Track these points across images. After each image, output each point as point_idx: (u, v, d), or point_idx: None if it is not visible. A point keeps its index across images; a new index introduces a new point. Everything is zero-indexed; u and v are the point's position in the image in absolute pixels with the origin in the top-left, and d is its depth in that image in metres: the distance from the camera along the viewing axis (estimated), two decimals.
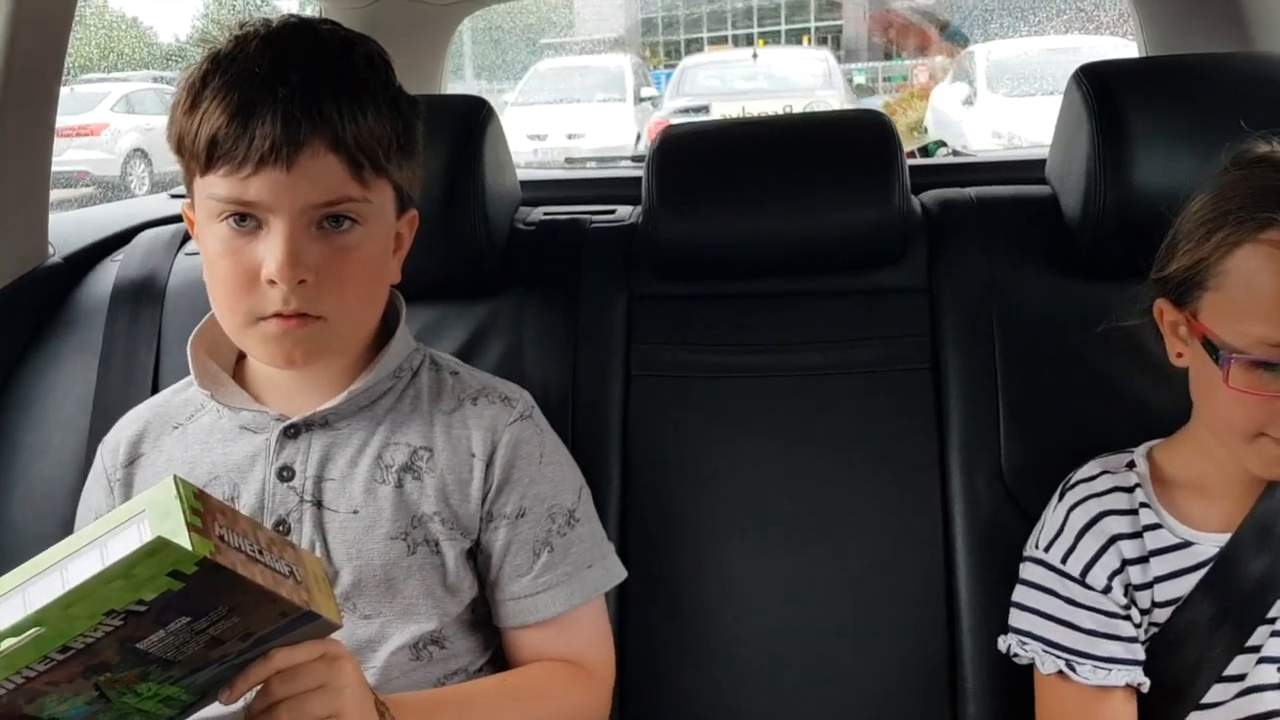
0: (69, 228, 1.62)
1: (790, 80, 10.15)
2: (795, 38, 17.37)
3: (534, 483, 1.10)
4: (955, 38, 12.77)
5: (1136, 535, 1.08)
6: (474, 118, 1.35)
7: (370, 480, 1.07)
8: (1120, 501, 1.10)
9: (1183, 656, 1.06)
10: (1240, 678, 1.05)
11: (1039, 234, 1.34)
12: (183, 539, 0.71)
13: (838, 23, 17.96)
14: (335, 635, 0.89)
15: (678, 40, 18.09)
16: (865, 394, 1.32)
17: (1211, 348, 1.00)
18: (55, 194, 1.56)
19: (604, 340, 1.36)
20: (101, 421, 1.31)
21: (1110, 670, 1.06)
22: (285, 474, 1.07)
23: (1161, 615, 1.07)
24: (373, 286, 1.07)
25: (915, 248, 1.37)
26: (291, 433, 1.08)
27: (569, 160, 2.48)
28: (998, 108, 8.53)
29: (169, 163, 1.05)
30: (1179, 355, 1.07)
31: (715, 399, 1.34)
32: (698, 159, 1.39)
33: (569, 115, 9.69)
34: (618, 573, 1.16)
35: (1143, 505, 1.09)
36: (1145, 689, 1.06)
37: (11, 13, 1.34)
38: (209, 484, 1.07)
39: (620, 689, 1.20)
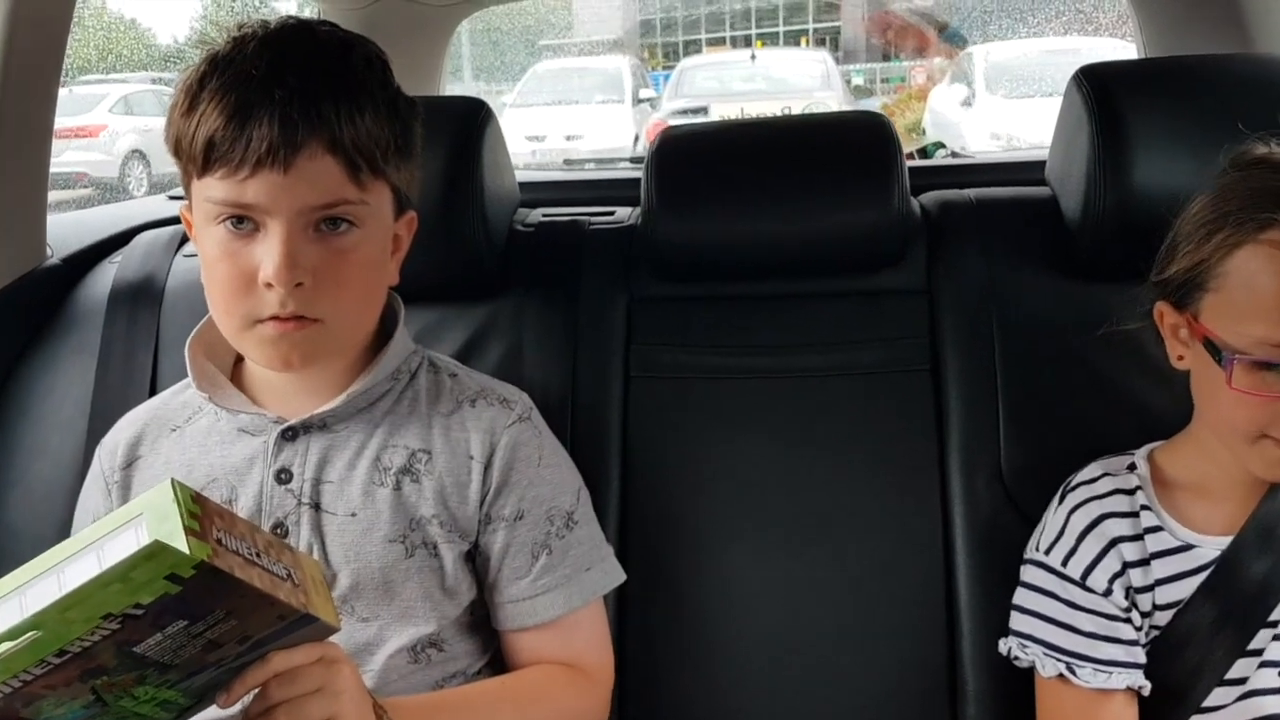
0: (67, 229, 1.61)
1: (788, 82, 10.16)
2: (793, 39, 17.39)
3: (532, 485, 1.10)
4: (954, 39, 12.78)
5: (1138, 538, 1.08)
6: (473, 119, 1.35)
7: (368, 483, 1.06)
8: (1121, 504, 1.10)
9: (1184, 660, 1.06)
10: (1242, 681, 1.05)
11: (1039, 235, 1.34)
12: (180, 543, 0.71)
13: (836, 24, 17.98)
14: (333, 638, 0.89)
15: (676, 42, 18.11)
16: (865, 396, 1.32)
17: (1214, 349, 0.99)
18: (53, 195, 1.56)
19: (603, 342, 1.36)
20: (99, 423, 1.31)
21: (1111, 673, 1.06)
22: (283, 476, 1.06)
23: (1163, 618, 1.07)
24: (370, 289, 1.06)
25: (915, 249, 1.37)
26: (289, 435, 1.07)
27: (567, 162, 2.49)
28: (996, 109, 8.54)
29: (167, 164, 1.04)
30: (1180, 358, 1.07)
31: (715, 401, 1.34)
32: (697, 160, 1.38)
33: (567, 117, 9.70)
34: (617, 575, 1.15)
35: (1144, 508, 1.09)
36: (1146, 692, 1.06)
37: (10, 13, 1.34)
38: (207, 486, 1.07)
39: (619, 691, 1.20)
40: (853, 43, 16.94)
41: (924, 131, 9.55)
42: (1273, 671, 1.05)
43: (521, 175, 1.60)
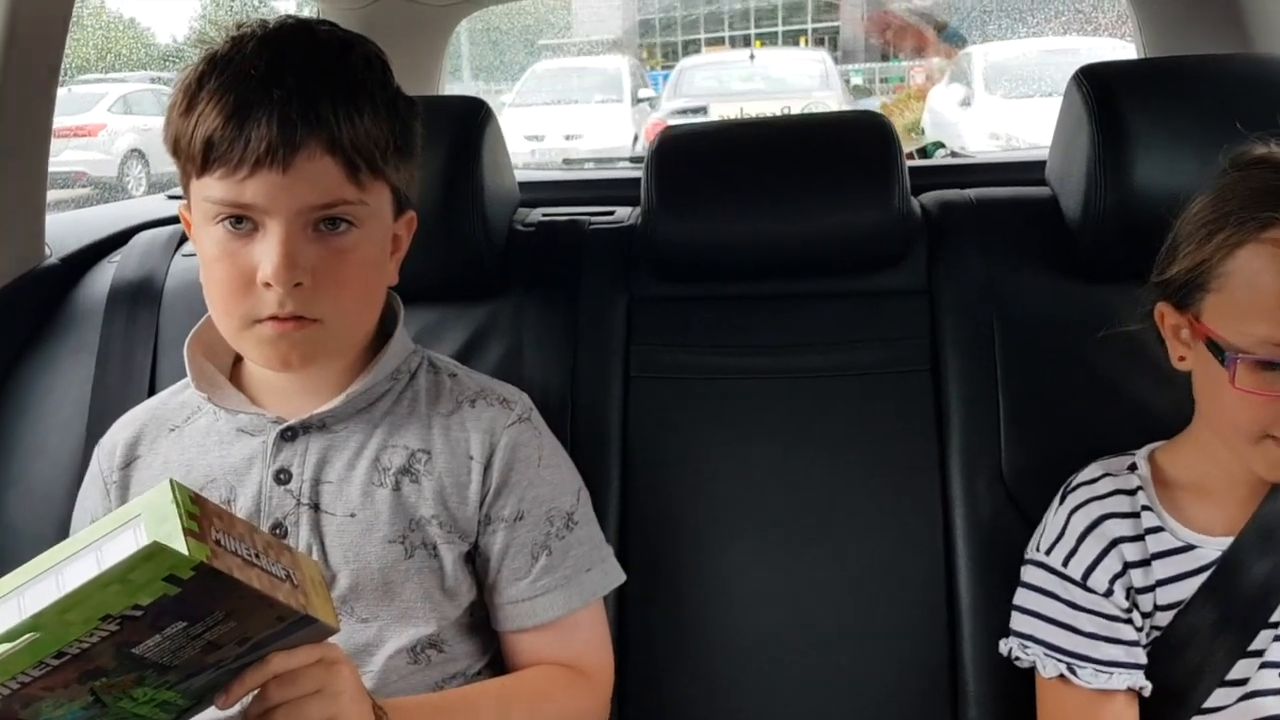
0: (66, 229, 1.61)
1: (787, 81, 10.16)
2: (792, 39, 17.39)
3: (532, 485, 1.10)
4: (953, 39, 12.78)
5: (1138, 538, 1.08)
6: (473, 119, 1.34)
7: (368, 483, 1.06)
8: (1122, 504, 1.09)
9: (1185, 660, 1.05)
10: (1243, 682, 1.05)
11: (1039, 236, 1.34)
12: (179, 544, 0.71)
13: (835, 24, 17.97)
14: (333, 639, 0.89)
15: (675, 42, 18.10)
16: (865, 396, 1.32)
17: (1216, 349, 0.99)
18: (52, 194, 1.56)
19: (603, 342, 1.36)
20: (98, 423, 1.30)
21: (1112, 674, 1.05)
22: (282, 477, 1.06)
23: (1163, 619, 1.07)
24: (370, 289, 1.06)
25: (915, 249, 1.36)
26: (289, 435, 1.07)
27: (567, 161, 2.48)
28: (994, 109, 8.54)
29: (166, 164, 1.04)
30: (1181, 359, 1.06)
31: (715, 401, 1.33)
32: (697, 160, 1.38)
33: (566, 116, 9.70)
34: (616, 576, 1.15)
35: (1145, 508, 1.09)
36: (1147, 693, 1.06)
37: (9, 12, 1.34)
38: (205, 487, 1.06)
39: (619, 692, 1.20)
40: (851, 43, 16.93)
41: (923, 131, 9.56)
42: (1274, 672, 1.04)
43: (521, 175, 1.59)
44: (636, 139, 9.33)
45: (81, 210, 1.90)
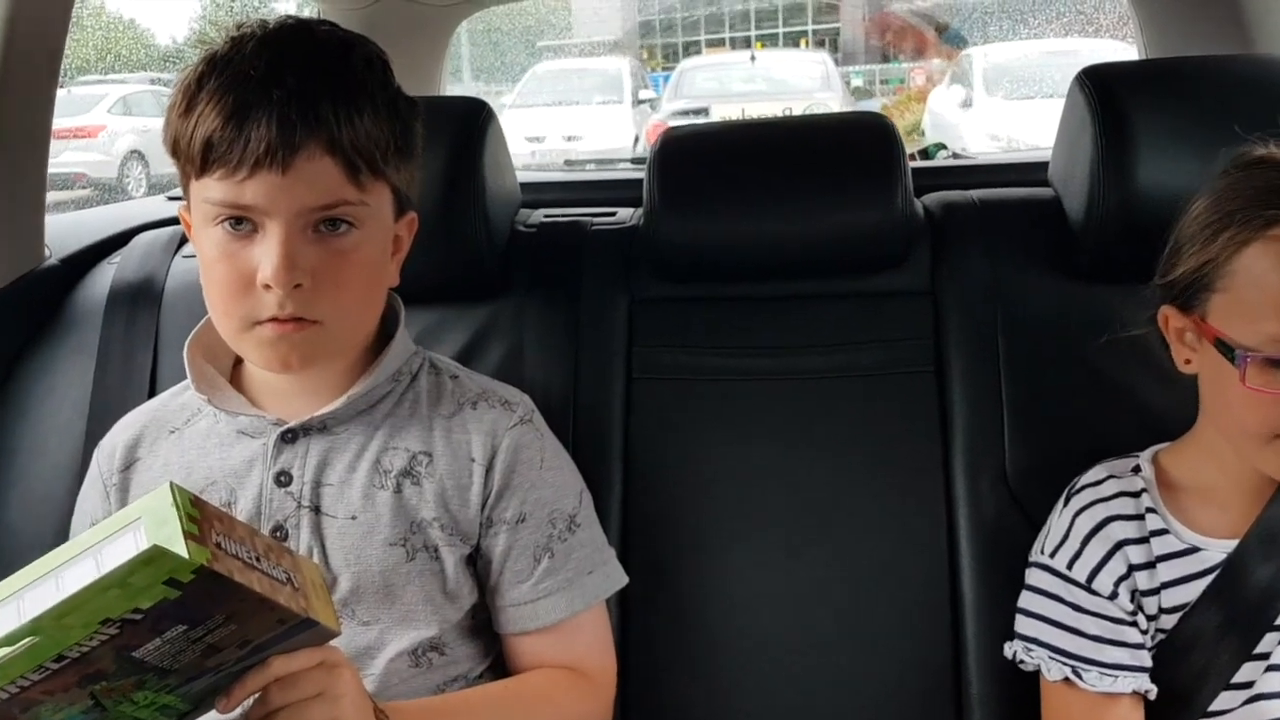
0: (65, 230, 1.61)
1: (788, 83, 10.17)
2: (793, 40, 17.39)
3: (534, 488, 1.10)
4: (954, 40, 12.78)
5: (1143, 540, 1.07)
6: (474, 119, 1.34)
7: (369, 485, 1.06)
8: (1126, 506, 1.09)
9: (1189, 663, 1.05)
10: (1248, 685, 1.04)
11: (1042, 237, 1.34)
12: (179, 547, 0.71)
13: (835, 26, 17.98)
14: (334, 642, 0.89)
15: (675, 43, 18.09)
16: (868, 397, 1.31)
17: (1226, 348, 0.99)
18: (52, 196, 1.56)
19: (605, 343, 1.35)
20: (98, 425, 1.30)
21: (1117, 677, 1.05)
22: (283, 479, 1.06)
23: (1168, 621, 1.06)
24: (370, 290, 1.06)
25: (918, 250, 1.36)
26: (289, 437, 1.07)
27: (568, 162, 2.48)
28: (994, 111, 8.55)
29: (166, 165, 1.04)
30: (1187, 362, 1.06)
31: (717, 402, 1.33)
32: (699, 161, 1.38)
33: (567, 118, 9.70)
34: (619, 578, 1.15)
35: (1149, 510, 1.08)
36: (1152, 696, 1.06)
37: (8, 13, 1.33)
38: (205, 489, 1.06)
39: (621, 694, 1.19)
40: (852, 44, 16.94)
41: (923, 133, 9.57)
42: (1278, 675, 1.04)
43: (523, 176, 1.59)
44: (637, 140, 9.33)
45: (81, 211, 1.90)
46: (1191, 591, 1.06)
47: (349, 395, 1.06)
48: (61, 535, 1.20)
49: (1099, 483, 1.12)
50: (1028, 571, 1.14)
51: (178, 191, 1.55)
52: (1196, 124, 1.22)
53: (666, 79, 11.44)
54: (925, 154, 2.06)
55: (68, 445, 1.37)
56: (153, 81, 9.99)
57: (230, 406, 1.08)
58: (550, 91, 10.60)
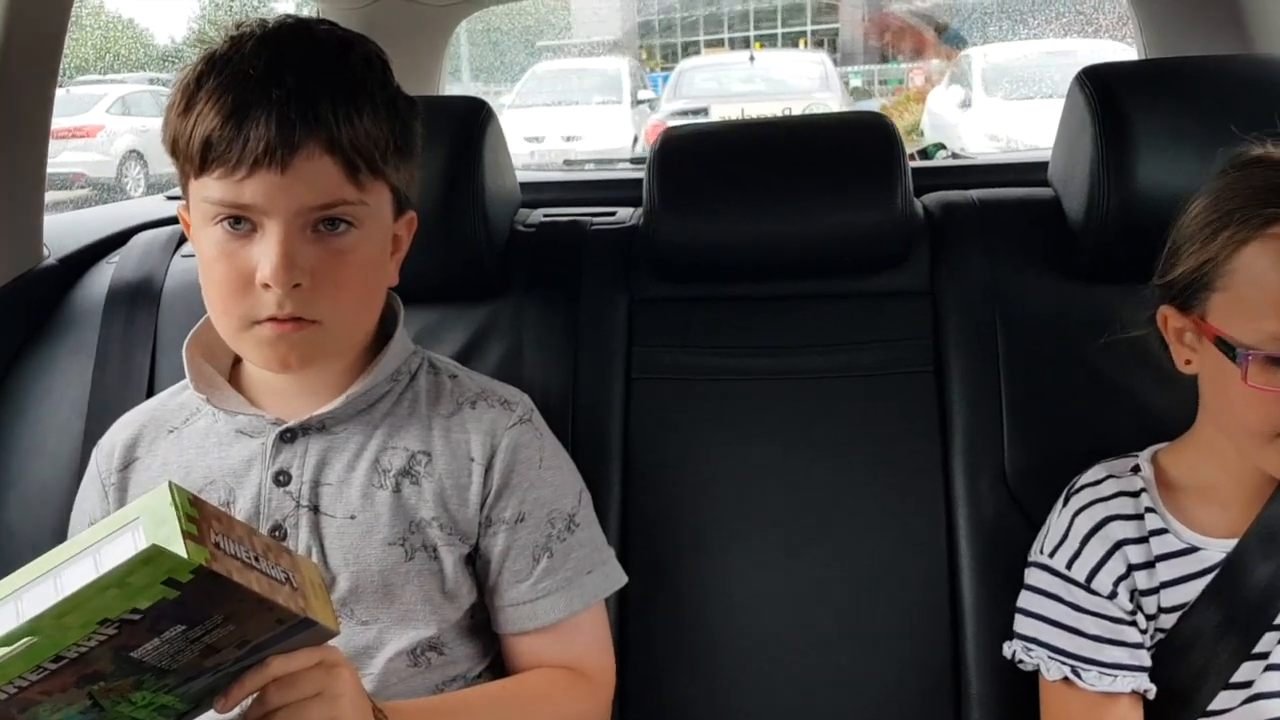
0: (64, 229, 1.61)
1: (787, 83, 10.17)
2: (792, 41, 17.38)
3: (533, 487, 1.09)
4: (954, 41, 12.78)
5: (1142, 540, 1.07)
6: (474, 119, 1.34)
7: (368, 485, 1.06)
8: (1126, 506, 1.09)
9: (1189, 663, 1.05)
10: (1247, 684, 1.04)
11: (1042, 237, 1.34)
12: (178, 547, 0.70)
13: (834, 26, 17.97)
14: (332, 642, 0.88)
15: (674, 43, 18.09)
16: (867, 397, 1.31)
17: (1227, 347, 0.99)
18: (50, 196, 1.55)
19: (604, 343, 1.35)
20: (96, 424, 1.30)
21: (1116, 676, 1.05)
22: (282, 479, 1.06)
23: (1168, 621, 1.06)
24: (369, 290, 1.06)
25: (917, 250, 1.36)
26: (288, 437, 1.07)
27: (567, 162, 2.48)
28: (993, 111, 8.55)
29: (165, 165, 1.04)
30: (1187, 362, 1.06)
31: (716, 402, 1.33)
32: (700, 161, 1.38)
33: (566, 118, 9.70)
34: (618, 578, 1.15)
35: (1148, 510, 1.08)
36: (1151, 695, 1.06)
37: (7, 13, 1.33)
38: (204, 489, 1.06)
39: (620, 695, 1.19)
40: (850, 45, 16.93)
41: (922, 133, 9.57)
42: (1278, 675, 1.04)
43: (522, 175, 1.59)
44: (636, 140, 9.33)
45: (80, 211, 1.90)
46: (1191, 591, 1.06)
47: (348, 395, 1.06)
48: (60, 535, 1.20)
49: (1098, 482, 1.12)
50: (1027, 571, 1.14)
51: (176, 191, 1.55)
52: (1197, 124, 1.21)
53: (665, 79, 11.44)
54: (924, 154, 2.06)
55: (66, 445, 1.37)
56: (151, 81, 9.98)
57: (229, 406, 1.08)
58: (549, 91, 10.59)
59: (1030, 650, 1.10)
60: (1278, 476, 1.02)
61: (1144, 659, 1.06)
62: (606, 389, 1.34)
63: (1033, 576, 1.13)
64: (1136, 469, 1.12)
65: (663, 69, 14.57)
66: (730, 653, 1.27)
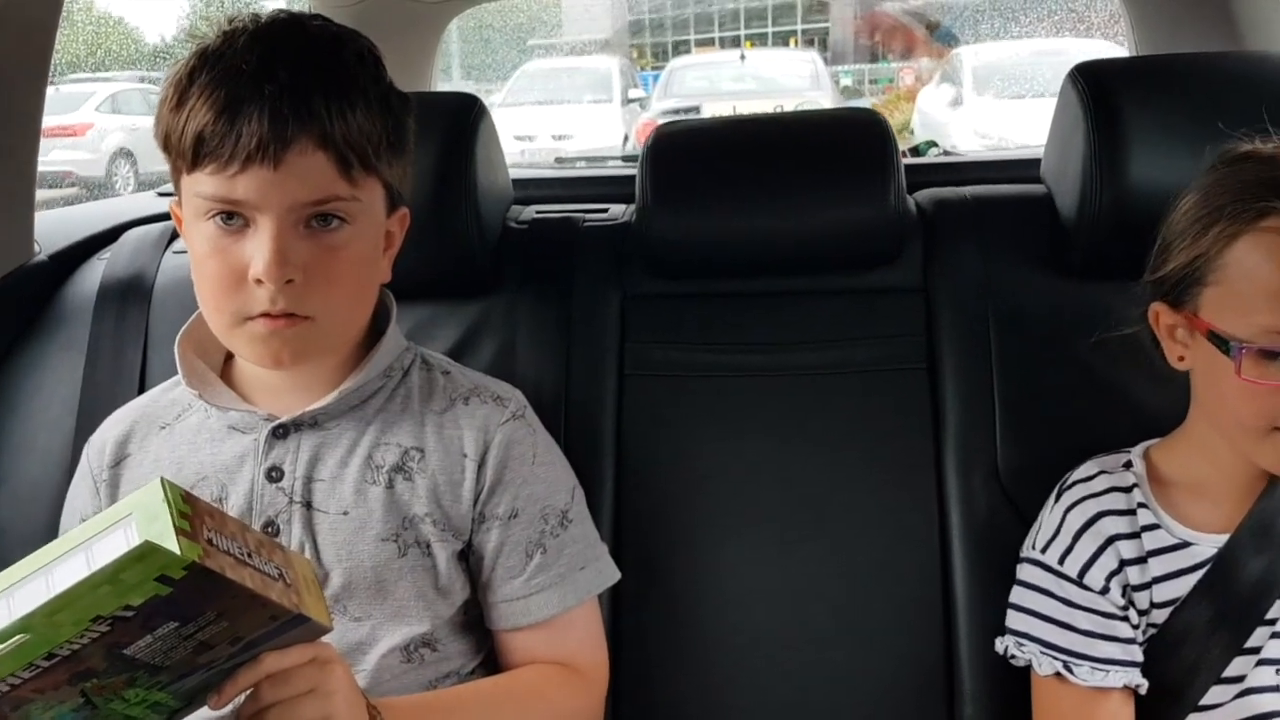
0: (55, 226, 1.60)
1: (778, 82, 10.16)
2: (782, 40, 17.39)
3: (526, 483, 1.09)
4: (945, 38, 12.80)
5: (1134, 536, 1.07)
6: (466, 115, 1.34)
7: (360, 481, 1.05)
8: (1118, 502, 1.09)
9: (1180, 658, 1.05)
10: (1239, 679, 1.05)
11: (1035, 233, 1.34)
12: (170, 543, 0.70)
13: (824, 25, 17.99)
14: (325, 638, 0.88)
15: (665, 42, 18.08)
16: (860, 393, 1.31)
17: (1221, 341, 0.99)
18: (40, 194, 1.55)
19: (597, 339, 1.35)
20: (87, 421, 1.29)
21: (1108, 671, 1.05)
22: (274, 475, 1.05)
23: (1160, 616, 1.07)
24: (362, 286, 1.05)
25: (910, 247, 1.36)
26: (280, 433, 1.06)
27: (559, 160, 2.48)
28: (983, 110, 8.57)
29: (154, 163, 1.04)
30: (1180, 359, 1.06)
31: (709, 398, 1.33)
32: (693, 157, 1.38)
33: (556, 116, 9.68)
34: (611, 574, 1.15)
35: (1140, 505, 1.08)
36: (1143, 690, 1.06)
37: None
38: (196, 485, 1.06)
39: (614, 690, 1.19)
40: (841, 44, 16.94)
41: (913, 132, 9.58)
42: (1270, 669, 1.05)
43: (515, 172, 1.59)
44: (626, 139, 9.32)
45: (71, 207, 1.89)
46: (1183, 586, 1.06)
47: (340, 390, 1.06)
48: (51, 532, 1.19)
49: (1090, 478, 1.12)
50: (1019, 567, 1.14)
51: (168, 187, 1.54)
52: (1188, 120, 1.22)
53: (656, 78, 11.43)
54: (916, 151, 2.06)
55: (57, 441, 1.36)
56: (141, 79, 9.94)
57: (221, 402, 1.07)
58: (540, 90, 10.57)
59: (1022, 646, 1.10)
60: (1272, 471, 1.03)
61: (1136, 654, 1.07)
62: (599, 385, 1.34)
63: (1025, 572, 1.13)
64: (1128, 465, 1.12)
65: (653, 68, 14.56)
66: (724, 649, 1.27)
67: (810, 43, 16.87)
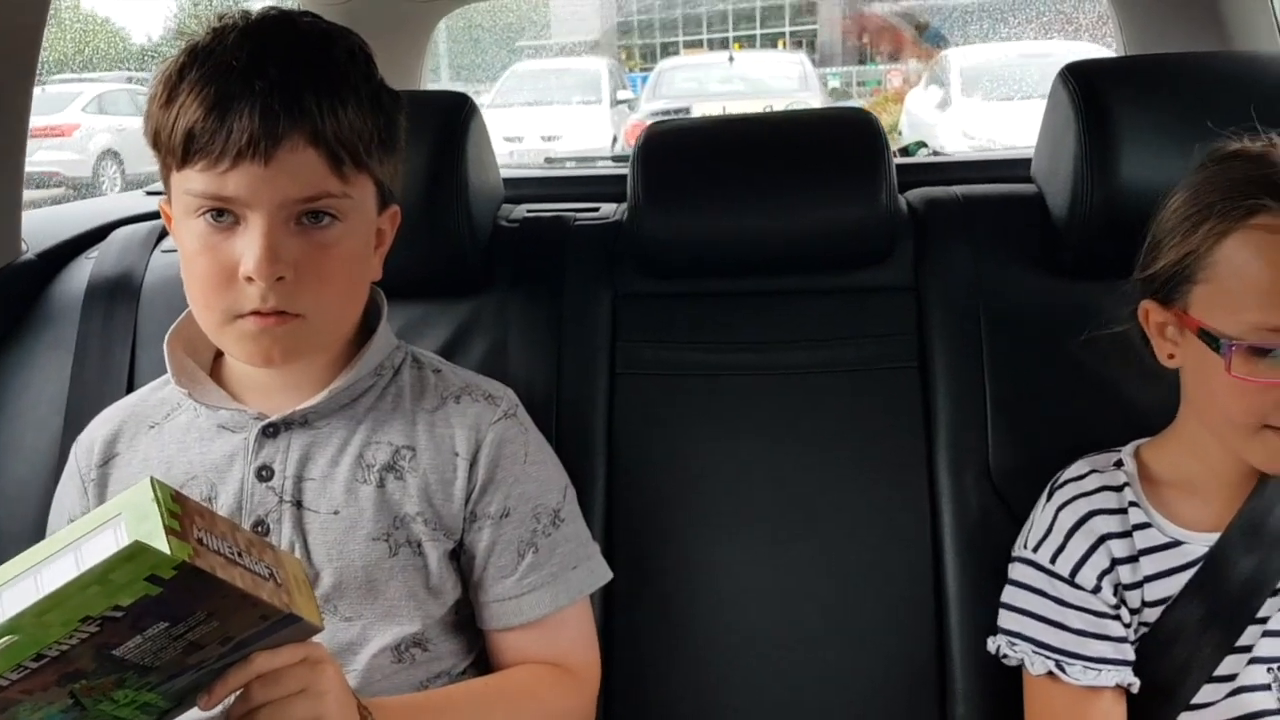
0: (41, 224, 1.59)
1: (766, 83, 10.20)
2: (770, 42, 17.40)
3: (518, 482, 1.09)
4: (934, 39, 12.83)
5: (1126, 534, 1.08)
6: (457, 114, 1.33)
7: (351, 480, 1.05)
8: (1109, 500, 1.09)
9: (1172, 656, 1.05)
10: (1230, 678, 1.05)
11: (1026, 232, 1.34)
12: (160, 543, 0.70)
13: (813, 27, 18.01)
14: (316, 638, 0.88)
15: (653, 44, 18.09)
16: (852, 392, 1.31)
17: (1211, 339, 0.99)
18: (26, 194, 1.54)
19: (588, 338, 1.35)
20: (75, 420, 1.29)
21: (1100, 670, 1.05)
22: (264, 474, 1.05)
23: (1151, 615, 1.07)
24: (353, 284, 1.05)
25: (901, 246, 1.36)
26: (270, 432, 1.06)
27: (549, 160, 2.48)
28: (971, 112, 8.60)
29: (141, 164, 1.04)
30: (1170, 356, 1.06)
31: (701, 397, 1.33)
32: (684, 156, 1.38)
33: (545, 117, 9.68)
34: (603, 573, 1.14)
35: (1132, 504, 1.09)
36: (1135, 689, 1.06)
37: None
38: (186, 484, 1.05)
39: (605, 691, 1.19)
40: (829, 46, 16.97)
41: (901, 134, 9.61)
42: (1261, 668, 1.05)
43: (505, 171, 1.59)
44: (615, 140, 9.33)
45: (58, 206, 1.88)
46: (1174, 585, 1.06)
47: (331, 389, 1.06)
48: (38, 532, 1.19)
49: (1081, 477, 1.12)
50: (1011, 566, 1.14)
51: (157, 186, 1.54)
52: (1178, 119, 1.22)
53: (644, 79, 11.44)
54: (906, 152, 2.06)
55: (44, 441, 1.36)
56: (129, 80, 9.91)
57: (211, 400, 1.07)
58: (529, 91, 10.57)
59: (1015, 645, 1.10)
60: (1262, 469, 1.03)
61: (1128, 653, 1.07)
62: (590, 384, 1.33)
63: (1016, 571, 1.13)
64: (1119, 464, 1.12)
65: (642, 69, 14.57)
66: (716, 648, 1.27)
67: (798, 44, 16.89)
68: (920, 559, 1.25)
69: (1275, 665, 1.05)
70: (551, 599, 1.08)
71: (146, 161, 1.02)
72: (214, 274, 0.98)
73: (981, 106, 8.55)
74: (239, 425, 1.07)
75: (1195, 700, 1.05)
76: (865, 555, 1.27)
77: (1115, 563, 1.07)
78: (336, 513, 1.04)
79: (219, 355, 1.11)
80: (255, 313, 0.97)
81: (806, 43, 17.11)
